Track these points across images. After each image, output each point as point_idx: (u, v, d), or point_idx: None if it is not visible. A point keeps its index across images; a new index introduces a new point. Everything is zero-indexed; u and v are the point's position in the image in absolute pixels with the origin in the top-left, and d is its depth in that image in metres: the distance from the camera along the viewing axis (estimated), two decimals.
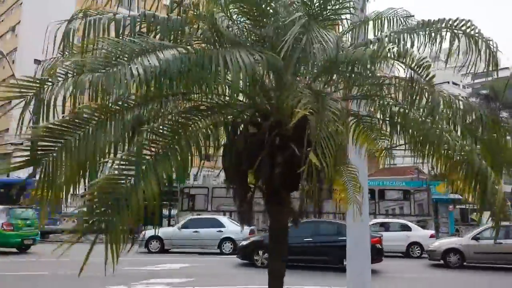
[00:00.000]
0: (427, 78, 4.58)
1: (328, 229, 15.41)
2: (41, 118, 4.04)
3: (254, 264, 15.06)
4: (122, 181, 3.79)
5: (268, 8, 4.81)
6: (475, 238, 16.41)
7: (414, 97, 4.71)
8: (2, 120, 48.28)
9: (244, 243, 16.03)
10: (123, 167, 3.88)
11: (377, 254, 13.80)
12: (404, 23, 5.22)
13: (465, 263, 16.31)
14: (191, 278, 12.42)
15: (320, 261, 14.95)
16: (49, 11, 47.58)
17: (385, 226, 19.88)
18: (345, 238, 11.29)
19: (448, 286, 13.83)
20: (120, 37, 4.37)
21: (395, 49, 4.65)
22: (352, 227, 8.29)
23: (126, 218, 3.65)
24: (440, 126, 4.84)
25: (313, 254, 14.85)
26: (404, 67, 4.71)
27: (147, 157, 3.96)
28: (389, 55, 4.62)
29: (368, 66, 4.62)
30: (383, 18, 5.35)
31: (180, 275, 12.96)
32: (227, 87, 4.57)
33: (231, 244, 18.83)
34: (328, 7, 4.72)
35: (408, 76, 4.71)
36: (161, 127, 4.34)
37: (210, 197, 24.10)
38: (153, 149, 4.07)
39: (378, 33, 5.33)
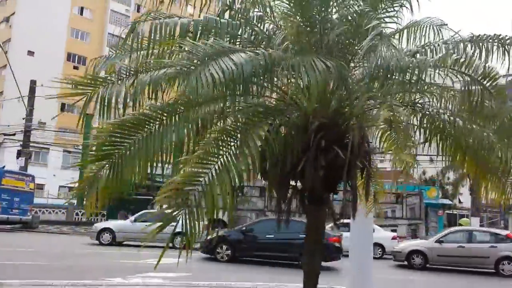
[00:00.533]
0: (493, 89, 4.59)
1: (291, 227, 15.42)
2: (101, 115, 4.37)
3: (216, 258, 15.54)
4: (199, 179, 3.91)
5: (330, 17, 4.90)
6: (439, 241, 16.90)
7: (474, 108, 4.73)
8: None
9: (208, 238, 16.36)
10: (199, 165, 4.01)
11: (335, 252, 14.66)
12: (438, 32, 5.23)
13: (428, 265, 16.73)
14: (189, 273, 12.34)
15: (282, 257, 15.34)
16: (44, 3, 47.68)
17: (349, 227, 19.97)
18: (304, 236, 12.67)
19: (407, 286, 14.04)
20: (190, 40, 4.51)
21: (460, 59, 4.68)
22: (355, 228, 8.18)
23: (202, 214, 3.84)
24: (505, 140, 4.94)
25: (275, 251, 15.25)
26: (463, 77, 4.72)
27: (219, 157, 4.09)
28: (449, 64, 4.63)
29: (424, 74, 4.59)
30: (419, 27, 5.31)
31: (177, 270, 12.88)
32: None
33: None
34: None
35: (465, 86, 4.71)
36: (230, 127, 4.50)
37: None
38: (224, 148, 4.18)
39: (416, 41, 5.33)
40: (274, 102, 5.01)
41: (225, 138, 4.27)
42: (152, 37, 4.46)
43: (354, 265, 8.16)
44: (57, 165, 48.67)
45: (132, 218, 20.63)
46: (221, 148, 4.16)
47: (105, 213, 28.06)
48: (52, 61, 47.75)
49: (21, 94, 25.02)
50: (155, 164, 4.29)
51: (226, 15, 5.18)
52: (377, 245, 19.37)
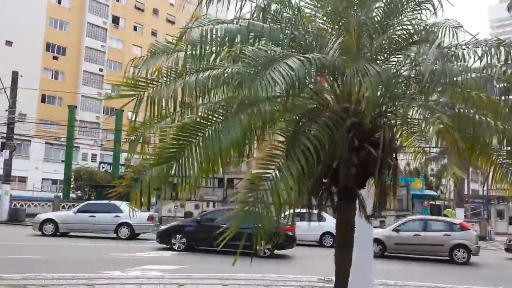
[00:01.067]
0: None
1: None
2: (151, 115, 4.67)
3: (172, 248, 15.78)
4: (265, 179, 4.11)
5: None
6: (396, 230, 17.29)
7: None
8: None
9: (163, 227, 16.97)
10: (263, 166, 4.22)
11: (288, 240, 15.23)
12: (455, 34, 5.35)
13: (386, 253, 17.12)
14: (185, 265, 12.39)
15: (236, 246, 15.29)
16: None
17: (301, 216, 20.38)
18: (259, 225, 13.83)
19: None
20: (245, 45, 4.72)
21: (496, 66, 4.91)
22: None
23: (271, 210, 4.07)
24: None
25: (229, 240, 15.19)
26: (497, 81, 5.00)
27: (279, 157, 4.29)
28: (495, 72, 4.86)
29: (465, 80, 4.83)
30: (438, 29, 5.41)
31: (173, 262, 13.06)
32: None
33: (128, 230, 19.07)
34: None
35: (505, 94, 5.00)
36: (286, 128, 4.71)
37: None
38: (282, 149, 4.38)
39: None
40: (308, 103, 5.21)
41: (281, 140, 4.54)
42: (202, 42, 4.57)
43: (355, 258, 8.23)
44: (40, 157, 47.91)
45: (75, 209, 20.75)
46: (279, 148, 4.39)
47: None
48: (31, 51, 46.73)
49: (3, 85, 24.44)
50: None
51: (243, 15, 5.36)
52: (328, 233, 19.67)
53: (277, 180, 4.06)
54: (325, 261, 14.95)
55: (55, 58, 51.09)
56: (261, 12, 5.18)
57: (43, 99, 49.69)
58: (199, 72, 4.68)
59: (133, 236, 19.16)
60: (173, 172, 4.39)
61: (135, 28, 58.69)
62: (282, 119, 4.90)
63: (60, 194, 34.75)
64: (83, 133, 51.62)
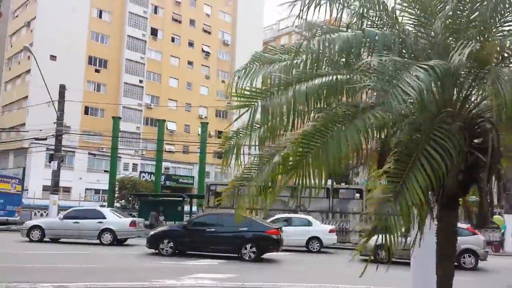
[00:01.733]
0: None
1: (230, 221, 16.17)
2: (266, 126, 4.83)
3: (160, 253, 16.01)
4: (393, 192, 4.12)
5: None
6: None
7: None
8: (19, 114, 48.78)
9: (152, 232, 17.23)
10: (391, 178, 4.20)
11: (273, 244, 15.81)
12: None
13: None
14: (237, 274, 12.36)
15: (222, 250, 16.03)
16: (64, 7, 48.16)
17: (288, 221, 20.51)
18: (245, 228, 15.25)
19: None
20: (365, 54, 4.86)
21: None
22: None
23: (400, 224, 4.06)
24: None
25: (216, 244, 15.92)
26: None
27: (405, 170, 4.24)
28: None
29: None
30: None
31: (222, 271, 13.12)
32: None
33: (111, 235, 19.27)
34: None
35: None
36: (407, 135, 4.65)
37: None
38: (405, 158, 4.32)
39: None
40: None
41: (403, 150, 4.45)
42: (323, 52, 4.63)
43: (417, 266, 7.92)
44: (83, 168, 49.18)
45: (61, 215, 21.03)
46: (401, 160, 4.32)
47: (137, 214, 28.25)
48: (74, 64, 48.26)
49: (51, 99, 25.19)
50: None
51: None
52: (315, 238, 19.79)
53: (405, 190, 4.01)
54: (313, 266, 15.08)
55: (97, 71, 52.52)
56: (360, 19, 5.19)
57: (86, 111, 51.07)
58: (309, 80, 4.68)
59: (118, 242, 19.45)
60: (295, 180, 4.43)
61: (172, 39, 59.69)
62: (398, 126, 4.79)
63: (105, 203, 35.50)
64: (124, 143, 52.73)
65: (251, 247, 15.39)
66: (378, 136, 4.72)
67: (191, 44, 61.24)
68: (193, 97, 59.41)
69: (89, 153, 49.55)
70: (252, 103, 4.78)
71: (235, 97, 5.10)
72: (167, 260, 14.77)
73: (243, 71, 5.50)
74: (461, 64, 4.22)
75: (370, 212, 4.05)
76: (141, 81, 55.23)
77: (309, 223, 20.25)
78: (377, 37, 4.75)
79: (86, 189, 49.52)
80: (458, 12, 4.98)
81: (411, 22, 5.24)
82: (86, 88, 51.10)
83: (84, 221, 19.59)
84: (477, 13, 4.90)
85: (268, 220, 19.35)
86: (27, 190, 42.98)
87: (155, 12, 58.42)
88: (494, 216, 32.30)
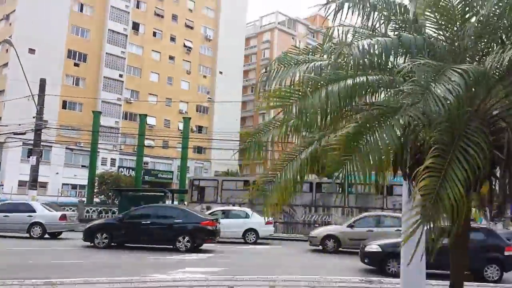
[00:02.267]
0: None
1: (166, 213, 17.33)
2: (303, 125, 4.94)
3: (95, 245, 16.25)
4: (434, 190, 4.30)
5: None
6: (350, 226, 18.03)
7: None
8: None
9: (87, 225, 17.71)
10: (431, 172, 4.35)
11: (208, 235, 16.42)
12: None
13: (340, 248, 17.80)
14: (226, 268, 12.57)
15: (157, 242, 16.50)
16: (44, 0, 47.36)
17: (226, 214, 20.97)
18: (180, 220, 16.16)
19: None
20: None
21: None
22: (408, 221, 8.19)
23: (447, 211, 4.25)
24: None
25: (151, 236, 16.35)
26: None
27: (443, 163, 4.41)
28: None
29: None
30: None
31: (211, 265, 13.29)
32: None
33: (40, 229, 19.43)
34: None
35: None
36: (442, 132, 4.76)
37: (220, 189, 24.10)
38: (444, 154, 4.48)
39: None
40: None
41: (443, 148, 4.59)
42: (363, 56, 4.79)
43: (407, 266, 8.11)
44: (60, 163, 48.56)
45: None
46: (441, 156, 4.48)
47: (117, 209, 28.15)
48: (53, 58, 47.53)
49: (31, 92, 24.84)
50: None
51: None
52: (251, 230, 20.10)
53: (446, 184, 4.23)
54: (250, 256, 15.49)
55: (76, 64, 51.83)
56: (387, 22, 5.42)
57: (64, 105, 50.40)
58: (340, 81, 4.88)
59: (51, 235, 19.63)
60: (341, 178, 4.58)
61: (154, 34, 59.26)
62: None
63: (84, 199, 35.19)
64: (103, 138, 52.20)
65: (185, 238, 15.78)
66: (412, 135, 4.89)
67: (173, 39, 60.91)
68: (173, 92, 59.15)
69: (67, 148, 48.95)
70: (287, 103, 4.97)
71: (264, 97, 5.34)
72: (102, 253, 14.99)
73: (272, 71, 5.65)
74: (493, 67, 4.45)
75: (415, 205, 4.25)
76: (121, 76, 54.72)
77: (246, 216, 20.49)
78: (411, 42, 4.94)
79: (63, 184, 48.92)
80: (491, 18, 5.14)
81: (432, 26, 5.42)
82: (65, 82, 50.41)
83: (14, 214, 19.62)
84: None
85: (207, 213, 19.98)
86: (2, 185, 42.27)
87: (137, 6, 57.89)
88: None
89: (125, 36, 55.49)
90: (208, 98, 63.53)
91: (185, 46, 61.86)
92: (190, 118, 41.19)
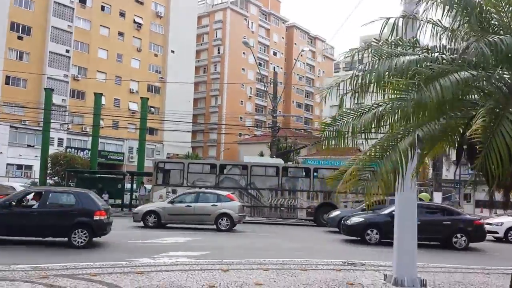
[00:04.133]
0: None
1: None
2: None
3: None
4: None
5: None
6: (172, 202, 19.19)
7: None
8: None
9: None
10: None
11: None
12: None
13: (162, 222, 18.95)
14: (207, 251, 12.44)
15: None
16: None
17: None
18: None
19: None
20: None
21: None
22: (400, 206, 8.51)
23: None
24: None
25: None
26: None
27: None
28: None
29: None
30: None
31: (192, 249, 13.09)
32: None
33: None
34: None
35: None
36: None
37: (186, 173, 23.67)
38: None
39: None
40: None
41: None
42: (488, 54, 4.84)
43: (400, 243, 8.50)
44: (4, 142, 45.87)
45: None
46: None
47: None
48: None
49: None
50: None
51: None
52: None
53: None
54: (223, 239, 15.61)
55: (20, 38, 48.66)
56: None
57: (7, 80, 47.44)
58: (450, 74, 4.93)
59: None
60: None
61: (102, 8, 56.66)
62: None
63: (37, 180, 33.55)
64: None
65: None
66: None
67: (122, 14, 58.59)
68: (123, 70, 57.19)
69: (11, 126, 46.27)
70: (404, 95, 5.06)
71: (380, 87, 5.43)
72: None
73: (368, 64, 5.63)
74: None
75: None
76: (68, 51, 52.07)
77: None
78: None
79: (8, 164, 46.31)
80: None
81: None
82: (7, 56, 47.32)
83: None
84: None
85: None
86: None
87: None
88: (422, 193, 34.91)
89: (71, 9, 52.70)
90: (160, 77, 62.02)
91: (135, 22, 59.73)
92: (148, 98, 40.01)
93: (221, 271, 9.14)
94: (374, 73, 5.33)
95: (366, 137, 5.61)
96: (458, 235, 15.53)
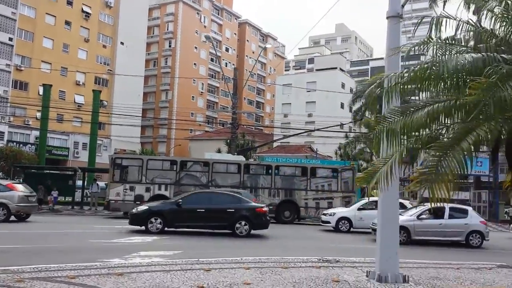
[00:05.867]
0: None
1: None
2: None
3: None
4: None
5: None
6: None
7: None
8: None
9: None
10: None
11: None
12: None
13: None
14: (179, 251, 12.12)
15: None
16: None
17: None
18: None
19: None
20: None
21: None
22: (383, 205, 8.63)
23: None
24: None
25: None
26: None
27: None
28: None
29: None
30: None
31: (163, 248, 12.74)
32: None
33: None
34: None
35: None
36: None
37: (145, 169, 22.96)
38: None
39: None
40: None
41: None
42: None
43: (383, 240, 8.66)
44: None
45: None
46: None
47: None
48: None
49: None
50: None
51: None
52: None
53: None
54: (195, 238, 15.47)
55: None
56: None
57: None
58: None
59: None
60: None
61: None
62: None
63: None
64: None
65: None
66: None
67: (69, 3, 56.20)
68: (69, 61, 54.78)
69: None
70: (485, 96, 4.93)
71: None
72: None
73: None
74: None
75: None
76: (10, 39, 49.25)
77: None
78: None
79: None
80: None
81: None
82: None
83: None
84: None
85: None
86: None
87: None
88: (373, 190, 36.12)
89: None
90: (108, 70, 60.02)
91: (83, 11, 57.44)
92: (100, 91, 38.66)
93: (204, 270, 8.90)
94: (443, 67, 5.25)
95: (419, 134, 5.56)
96: (243, 222, 15.76)
